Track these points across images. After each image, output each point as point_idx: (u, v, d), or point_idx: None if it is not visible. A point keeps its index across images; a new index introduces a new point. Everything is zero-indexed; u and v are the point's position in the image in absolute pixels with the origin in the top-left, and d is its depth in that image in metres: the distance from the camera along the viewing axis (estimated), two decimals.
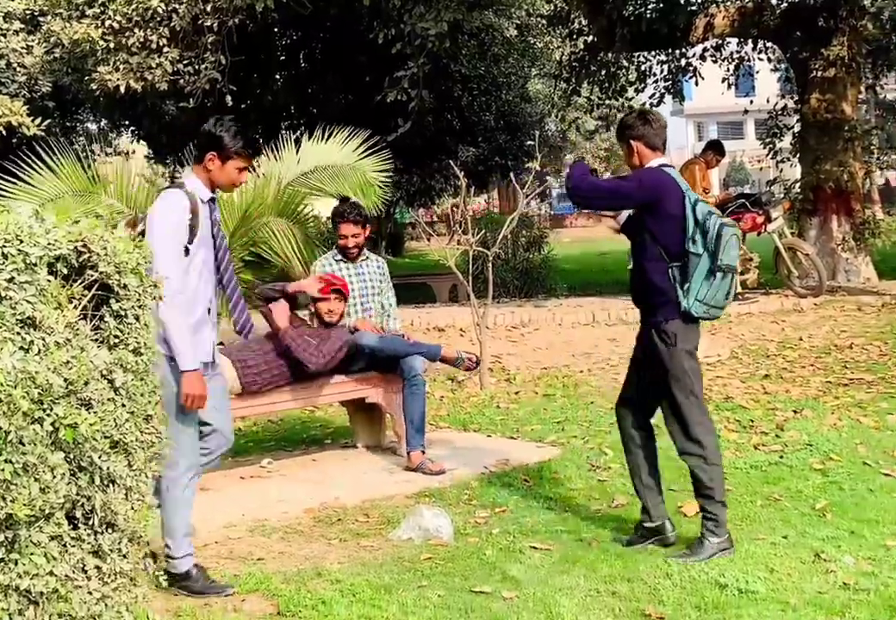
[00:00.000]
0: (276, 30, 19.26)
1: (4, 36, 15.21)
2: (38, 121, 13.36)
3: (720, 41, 17.66)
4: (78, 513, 3.20)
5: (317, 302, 6.79)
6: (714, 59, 18.52)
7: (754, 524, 5.24)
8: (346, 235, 7.11)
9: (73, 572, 3.12)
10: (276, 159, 9.42)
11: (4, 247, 3.00)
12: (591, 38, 16.96)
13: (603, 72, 17.67)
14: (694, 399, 4.90)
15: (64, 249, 3.20)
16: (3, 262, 2.96)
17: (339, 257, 7.22)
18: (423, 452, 6.61)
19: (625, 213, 5.23)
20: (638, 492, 5.14)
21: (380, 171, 9.29)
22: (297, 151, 9.32)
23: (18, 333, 2.89)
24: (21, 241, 3.05)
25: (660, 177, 4.91)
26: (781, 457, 6.44)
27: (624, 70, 18.16)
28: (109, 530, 3.34)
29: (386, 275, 7.41)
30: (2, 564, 2.85)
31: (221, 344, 6.48)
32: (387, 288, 7.38)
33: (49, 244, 3.15)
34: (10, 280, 2.95)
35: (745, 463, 6.38)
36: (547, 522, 5.42)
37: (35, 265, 3.05)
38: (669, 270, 4.81)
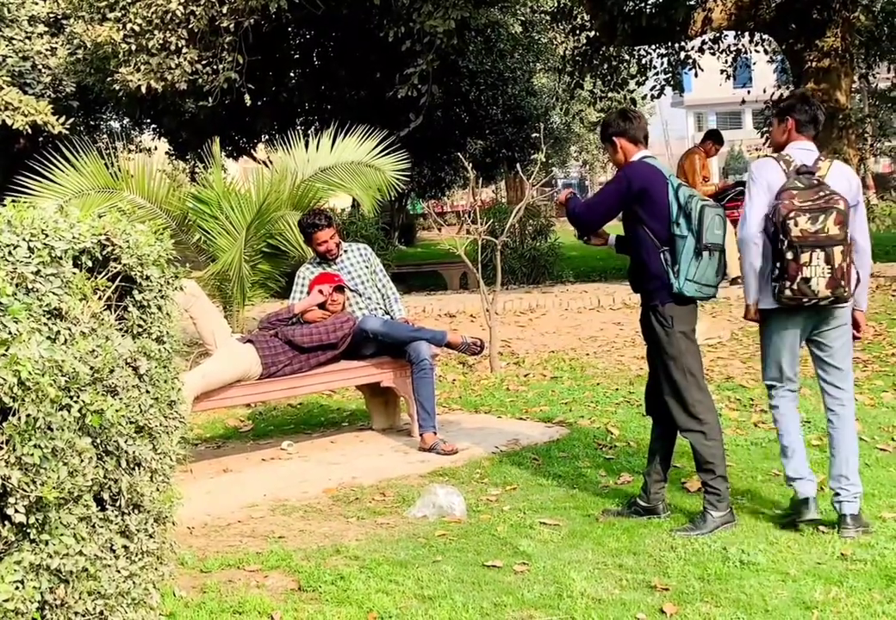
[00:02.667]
0: (289, 29, 19.20)
1: (30, 38, 15.22)
2: (62, 120, 13.41)
3: (718, 34, 17.61)
4: (105, 495, 3.22)
5: (322, 304, 6.88)
6: (712, 51, 18.46)
7: (755, 498, 5.24)
8: (324, 240, 7.04)
9: (102, 551, 3.14)
10: (289, 155, 9.39)
11: (31, 241, 3.00)
12: (593, 33, 16.89)
13: (605, 65, 17.62)
14: (692, 378, 4.89)
15: (88, 243, 3.20)
16: (30, 256, 2.96)
17: (319, 260, 7.20)
18: (436, 433, 6.62)
19: (613, 237, 5.27)
20: (646, 473, 5.14)
21: (398, 170, 9.28)
22: (309, 148, 9.30)
23: (45, 324, 2.90)
24: (47, 236, 3.06)
25: (643, 168, 4.93)
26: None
27: (625, 63, 18.12)
28: (136, 511, 3.35)
29: (371, 259, 7.33)
30: (33, 545, 2.85)
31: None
32: (380, 272, 7.35)
33: (74, 238, 3.15)
34: (37, 272, 2.95)
35: (746, 440, 6.38)
36: (556, 499, 5.42)
37: (60, 258, 3.05)
38: (661, 255, 4.83)
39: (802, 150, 4.85)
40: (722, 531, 4.74)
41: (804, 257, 4.52)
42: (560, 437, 6.70)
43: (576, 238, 5.82)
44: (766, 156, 4.92)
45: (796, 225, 4.53)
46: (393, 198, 11.02)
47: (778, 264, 4.60)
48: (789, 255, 4.55)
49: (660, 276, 4.83)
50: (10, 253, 2.93)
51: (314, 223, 7.02)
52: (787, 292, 4.59)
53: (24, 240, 2.98)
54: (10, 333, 2.69)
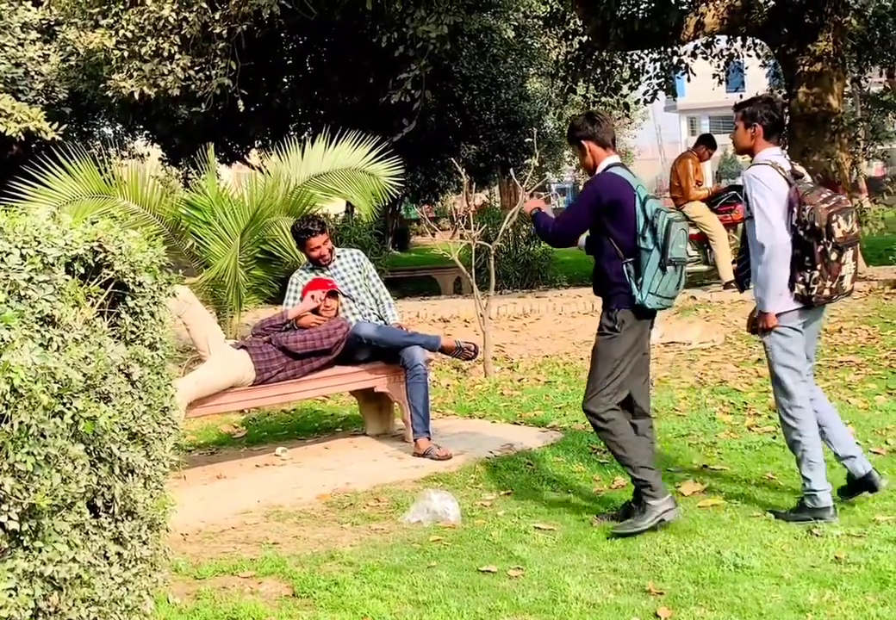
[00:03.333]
0: (282, 35, 19.23)
1: (22, 45, 15.20)
2: (55, 126, 13.38)
3: (710, 39, 17.64)
4: (99, 502, 3.21)
5: (315, 310, 6.88)
6: (705, 56, 18.50)
7: (749, 502, 5.24)
8: (317, 246, 7.05)
9: (95, 558, 3.13)
10: (282, 161, 9.40)
11: (23, 248, 3.00)
12: (586, 37, 16.92)
13: (598, 70, 17.64)
14: (612, 381, 4.89)
15: (80, 249, 3.20)
16: (22, 263, 2.96)
17: (311, 266, 7.21)
18: (430, 438, 6.63)
19: (583, 238, 5.27)
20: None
21: (392, 177, 9.29)
22: (304, 153, 9.31)
23: (38, 330, 2.90)
24: (39, 242, 3.06)
25: (612, 181, 4.92)
26: (774, 438, 6.43)
27: (618, 68, 18.15)
28: (129, 518, 3.35)
29: (364, 264, 7.34)
30: (27, 552, 2.85)
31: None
32: (373, 278, 7.35)
33: (66, 245, 3.15)
34: (30, 279, 2.96)
35: (740, 443, 6.38)
36: (550, 504, 5.42)
37: (53, 265, 3.06)
38: (624, 266, 4.84)
39: (779, 156, 4.97)
40: (664, 521, 4.77)
41: (844, 257, 4.74)
42: (554, 442, 6.70)
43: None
44: (760, 163, 4.91)
45: (839, 226, 4.70)
46: (387, 204, 11.00)
47: (819, 266, 4.74)
48: (833, 256, 4.72)
49: (620, 284, 4.87)
50: (2, 260, 2.93)
51: (307, 229, 7.02)
52: (826, 292, 4.78)
53: (16, 247, 2.99)
54: (2, 340, 2.70)
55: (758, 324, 5.00)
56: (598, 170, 5.01)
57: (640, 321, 4.92)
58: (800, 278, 4.80)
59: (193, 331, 6.26)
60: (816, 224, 4.69)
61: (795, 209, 4.75)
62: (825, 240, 4.70)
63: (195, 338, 6.30)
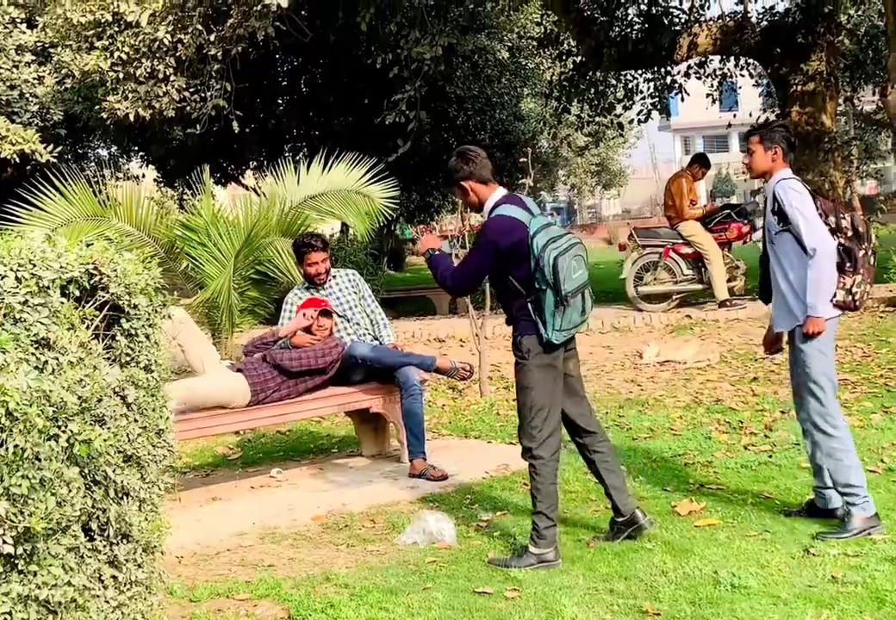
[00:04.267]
0: (277, 57, 19.30)
1: (17, 67, 15.25)
2: (50, 148, 13.42)
3: (703, 59, 17.72)
4: (94, 525, 3.21)
5: (308, 329, 6.86)
6: (698, 76, 18.58)
7: (745, 521, 5.24)
8: (315, 262, 7.06)
9: (91, 582, 3.13)
10: (277, 182, 9.42)
11: (18, 271, 3.01)
12: (580, 58, 17.01)
13: (592, 90, 17.72)
14: (538, 411, 4.87)
15: (76, 272, 3.21)
16: (17, 286, 2.97)
17: (307, 286, 7.22)
18: (425, 459, 6.62)
19: None
20: (606, 493, 5.17)
21: (388, 198, 9.31)
22: (300, 175, 9.33)
23: (33, 353, 2.90)
24: (34, 265, 3.06)
25: (502, 224, 4.84)
26: (770, 457, 6.44)
27: (612, 88, 18.22)
28: (124, 541, 3.34)
29: (359, 284, 7.35)
30: (21, 575, 2.85)
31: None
32: (368, 298, 7.35)
33: (61, 267, 3.16)
34: (25, 302, 2.96)
35: (736, 462, 6.38)
36: None
37: (48, 288, 3.06)
38: (528, 304, 4.80)
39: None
40: (545, 568, 4.72)
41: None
42: None
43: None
44: (788, 177, 5.05)
45: (872, 235, 5.05)
46: (382, 224, 11.03)
47: (861, 270, 4.98)
48: (871, 260, 5.01)
49: (522, 312, 4.84)
50: None
51: (309, 243, 7.05)
52: (866, 296, 5.05)
53: (11, 270, 2.99)
54: None
55: (781, 339, 5.26)
56: (486, 208, 4.95)
57: (548, 350, 4.86)
58: (840, 284, 4.97)
59: (188, 352, 6.26)
60: (860, 229, 4.96)
61: (833, 217, 4.97)
62: (866, 244, 4.97)
63: (190, 359, 6.30)
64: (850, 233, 4.98)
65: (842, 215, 5.02)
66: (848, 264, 4.98)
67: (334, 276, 7.27)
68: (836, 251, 4.93)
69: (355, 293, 7.25)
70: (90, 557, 3.16)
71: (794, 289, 5.01)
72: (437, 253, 5.11)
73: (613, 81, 18.17)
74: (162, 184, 23.75)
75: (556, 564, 4.77)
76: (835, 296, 4.97)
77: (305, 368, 6.60)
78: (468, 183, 4.95)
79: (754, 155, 5.17)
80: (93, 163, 22.08)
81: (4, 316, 2.88)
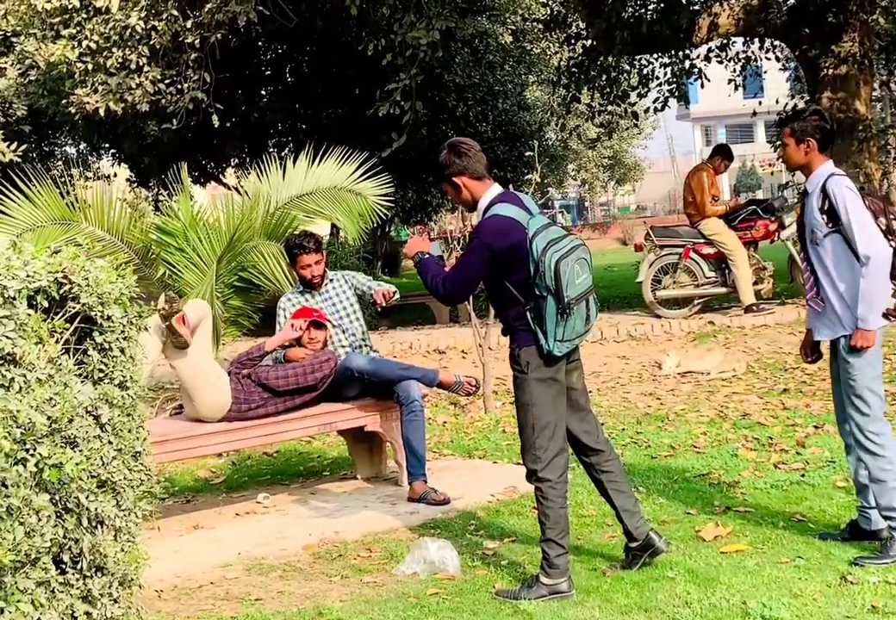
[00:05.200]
0: (260, 44, 19.37)
1: None
2: (13, 146, 13.39)
3: (725, 41, 17.75)
4: (65, 557, 3.22)
5: (298, 341, 6.88)
6: (719, 59, 18.60)
7: (776, 546, 5.25)
8: (308, 264, 7.07)
9: (63, 619, 3.14)
10: (261, 180, 9.44)
11: None
12: (589, 41, 17.03)
13: (603, 77, 17.74)
14: (541, 430, 4.88)
15: (44, 281, 3.23)
16: None
17: (301, 289, 7.24)
18: (426, 482, 6.63)
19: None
20: (617, 517, 5.18)
21: (381, 196, 9.33)
22: (285, 172, 9.34)
23: None
24: None
25: (498, 226, 4.82)
26: (803, 476, 6.45)
27: (625, 74, 18.26)
28: (99, 574, 3.36)
29: (356, 281, 7.30)
30: None
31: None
32: (363, 285, 7.27)
33: (28, 276, 3.18)
34: None
35: (766, 482, 6.39)
36: None
37: (14, 299, 3.08)
38: (527, 312, 4.80)
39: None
40: (557, 600, 4.73)
41: None
42: None
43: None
44: (837, 174, 5.07)
45: None
46: (375, 225, 11.05)
47: None
48: None
49: (520, 322, 4.84)
50: None
51: (301, 245, 7.07)
52: None
53: None
54: None
55: (820, 345, 5.25)
56: (480, 207, 4.95)
57: (548, 363, 4.86)
58: (892, 291, 5.02)
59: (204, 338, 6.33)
60: None
61: (884, 219, 4.98)
62: None
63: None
64: None
65: (892, 216, 5.03)
66: None
67: (331, 280, 7.28)
68: (891, 256, 4.92)
69: (354, 295, 7.24)
70: (62, 592, 3.17)
71: (841, 297, 5.01)
72: (426, 257, 5.07)
73: (627, 67, 18.21)
74: (135, 184, 23.80)
75: (570, 595, 4.78)
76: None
77: (294, 387, 6.62)
78: (461, 179, 4.94)
79: (787, 148, 5.19)
80: (60, 162, 22.17)
81: None
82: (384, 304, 7.00)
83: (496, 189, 4.99)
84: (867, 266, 4.86)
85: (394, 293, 7.00)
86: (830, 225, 4.98)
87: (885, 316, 5.03)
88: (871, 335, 4.94)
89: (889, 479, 4.97)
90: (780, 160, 5.45)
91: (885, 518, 5.02)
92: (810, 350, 5.44)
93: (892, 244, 4.96)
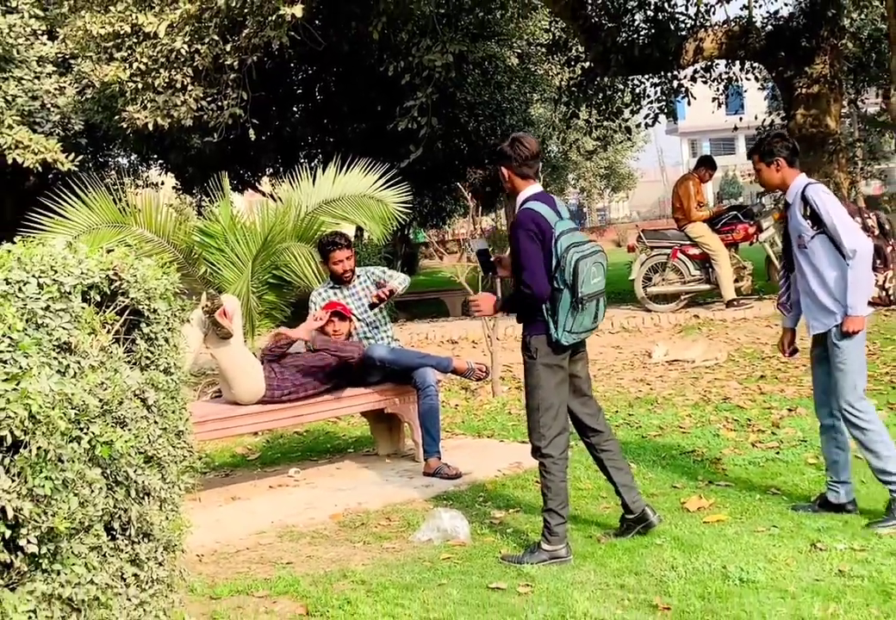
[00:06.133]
0: (292, 65, 19.32)
1: (38, 78, 15.29)
2: (71, 157, 13.46)
3: (709, 63, 17.68)
4: (116, 525, 3.22)
5: (323, 330, 6.87)
6: (704, 79, 18.53)
7: (753, 517, 5.23)
8: (340, 260, 7.06)
9: (113, 580, 3.14)
10: (293, 188, 9.44)
11: (40, 277, 3.02)
12: (587, 64, 17.00)
13: (600, 95, 17.70)
14: (546, 411, 4.86)
15: (96, 278, 3.22)
16: (40, 292, 2.98)
17: (331, 284, 7.23)
18: (440, 458, 6.62)
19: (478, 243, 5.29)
20: (614, 490, 5.15)
21: (401, 202, 9.31)
22: (315, 180, 9.34)
23: (55, 358, 2.91)
24: (55, 271, 3.08)
25: (533, 217, 4.80)
26: (778, 453, 6.43)
27: (619, 93, 18.20)
28: (146, 540, 3.35)
29: (376, 276, 7.25)
30: (45, 574, 2.86)
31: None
32: (387, 278, 7.24)
33: (82, 273, 3.17)
34: (47, 308, 2.97)
35: (744, 459, 6.37)
36: None
37: (69, 293, 3.07)
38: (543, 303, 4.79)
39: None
40: (557, 564, 4.72)
41: None
42: None
43: (481, 271, 5.73)
44: (813, 183, 5.08)
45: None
46: (395, 228, 11.04)
47: (892, 265, 5.11)
48: None
49: (536, 315, 4.82)
50: (20, 289, 2.95)
51: (334, 242, 7.07)
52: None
53: (33, 276, 3.00)
54: (20, 368, 2.71)
55: (794, 339, 5.32)
56: (518, 201, 4.94)
57: (556, 350, 4.85)
58: (874, 281, 5.06)
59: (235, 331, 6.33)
60: (887, 226, 5.04)
61: (859, 218, 5.03)
62: (893, 241, 5.07)
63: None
64: (877, 232, 5.04)
65: (866, 215, 5.09)
66: (878, 261, 5.04)
67: (358, 276, 7.26)
68: (872, 250, 4.94)
69: (375, 291, 7.21)
70: (112, 556, 3.17)
71: (830, 291, 5.00)
72: (501, 304, 5.06)
73: (621, 86, 18.15)
74: (181, 192, 23.81)
75: (568, 560, 4.77)
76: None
77: (335, 354, 6.60)
78: (508, 171, 4.93)
79: (760, 173, 5.22)
80: (113, 172, 22.15)
81: (27, 321, 2.89)
82: (378, 303, 6.99)
83: (535, 188, 4.95)
84: (853, 259, 4.87)
85: (390, 292, 6.98)
86: (815, 228, 4.98)
87: (871, 303, 5.04)
88: (860, 320, 4.94)
89: (881, 449, 5.00)
90: (760, 184, 5.44)
91: (884, 482, 5.04)
92: (788, 345, 5.43)
93: (870, 239, 4.97)
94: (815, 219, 4.97)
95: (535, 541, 4.92)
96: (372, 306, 7.05)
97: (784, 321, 5.44)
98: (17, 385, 2.67)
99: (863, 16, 17.16)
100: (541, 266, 4.76)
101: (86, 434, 2.93)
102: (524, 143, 4.90)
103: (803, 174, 5.17)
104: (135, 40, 12.59)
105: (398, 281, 7.21)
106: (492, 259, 5.24)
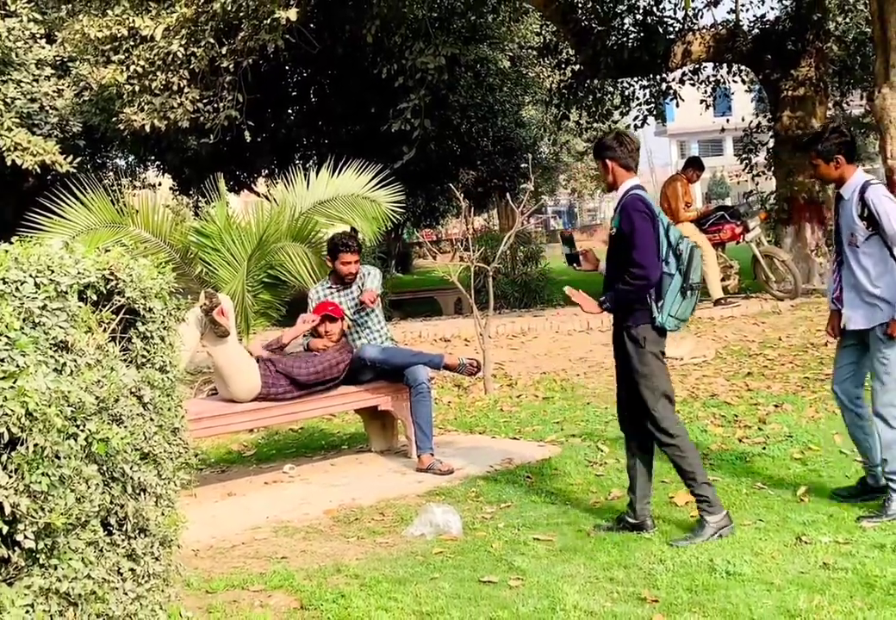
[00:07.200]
0: (287, 68, 19.34)
1: (37, 81, 15.28)
2: (70, 159, 13.45)
3: (697, 66, 17.70)
4: (112, 520, 3.22)
5: (316, 331, 6.88)
6: (692, 82, 18.56)
7: (740, 511, 5.23)
8: (349, 261, 7.05)
9: (109, 574, 3.13)
10: (288, 189, 9.42)
11: (37, 277, 3.02)
12: (578, 66, 17.00)
13: (590, 97, 17.71)
14: (662, 396, 4.91)
15: (93, 277, 3.22)
16: (36, 291, 2.98)
17: (329, 284, 7.21)
18: (433, 454, 6.62)
19: (603, 263, 5.26)
20: (630, 489, 5.14)
21: (393, 202, 9.30)
22: (309, 181, 9.33)
23: (52, 356, 2.91)
24: (52, 271, 3.08)
25: (644, 201, 4.86)
26: (764, 449, 6.44)
27: (609, 95, 18.21)
28: (142, 535, 3.35)
29: (367, 274, 7.17)
30: (42, 569, 2.86)
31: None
32: (370, 283, 7.16)
33: (79, 273, 3.17)
34: (44, 307, 2.97)
35: (731, 454, 6.38)
36: (549, 515, 5.42)
37: (66, 293, 3.07)
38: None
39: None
40: (720, 536, 4.76)
41: None
42: (552, 456, 6.70)
43: (565, 264, 5.78)
44: (874, 183, 5.04)
45: None
46: (389, 228, 11.04)
47: None
48: None
49: (641, 303, 4.83)
50: (17, 288, 2.95)
51: (346, 243, 7.04)
52: None
53: (30, 276, 3.00)
54: (17, 366, 2.71)
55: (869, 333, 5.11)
56: (621, 190, 4.96)
57: (660, 337, 4.92)
58: None
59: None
60: None
61: None
62: None
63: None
64: None
65: None
66: None
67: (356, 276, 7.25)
68: None
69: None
70: (109, 551, 3.17)
71: (880, 291, 4.98)
72: (606, 303, 4.97)
73: (610, 88, 18.16)
74: (177, 193, 23.78)
75: (732, 526, 4.83)
76: None
77: (321, 379, 6.61)
78: (612, 163, 4.96)
79: (819, 169, 5.18)
80: (111, 173, 22.13)
81: (24, 320, 2.89)
82: (370, 306, 6.98)
83: (636, 180, 4.99)
84: None
85: (375, 298, 6.95)
86: (870, 229, 4.97)
87: None
88: None
89: None
90: (817, 179, 5.40)
91: (889, 480, 5.02)
92: (837, 330, 5.34)
93: None
94: (872, 220, 4.94)
95: (697, 520, 4.89)
96: (361, 310, 7.04)
97: (831, 305, 5.38)
98: (14, 383, 2.67)
99: (848, 19, 17.20)
100: (654, 247, 4.80)
101: (82, 431, 2.93)
102: (629, 136, 5.03)
103: (860, 169, 5.14)
104: (132, 43, 12.58)
105: (372, 279, 7.12)
106: (577, 252, 5.27)
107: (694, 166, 12.80)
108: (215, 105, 13.32)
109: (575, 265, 5.44)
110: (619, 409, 5.23)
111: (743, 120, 19.49)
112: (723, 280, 12.26)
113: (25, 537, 2.77)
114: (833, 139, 5.09)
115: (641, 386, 4.91)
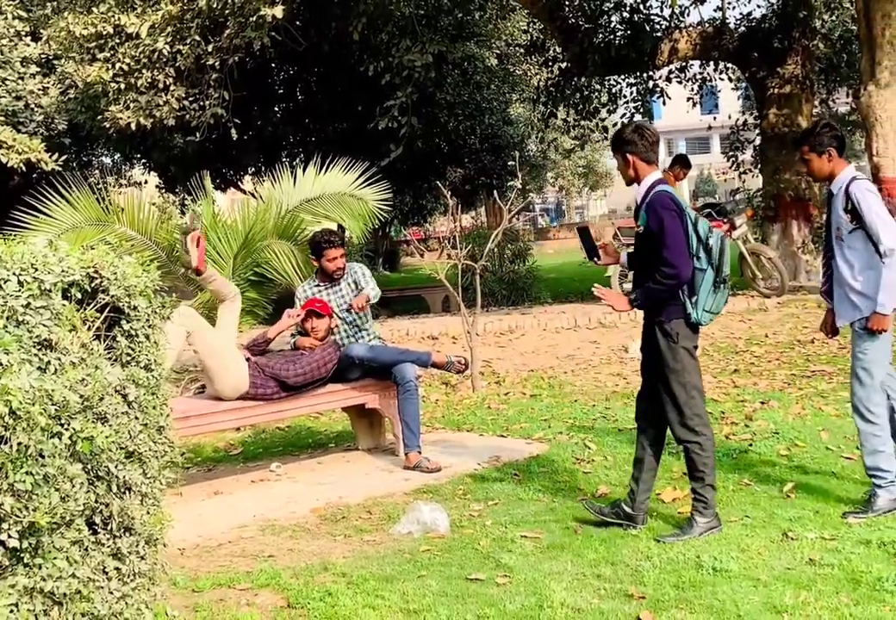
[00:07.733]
0: (273, 66, 19.30)
1: (22, 79, 15.23)
2: (55, 157, 13.38)
3: (684, 63, 17.78)
4: (97, 519, 3.20)
5: (303, 328, 6.86)
6: (679, 80, 18.62)
7: (727, 507, 5.24)
8: (334, 257, 7.02)
9: (95, 573, 3.12)
10: (274, 186, 9.41)
11: (21, 275, 3.00)
12: (565, 64, 17.04)
13: (577, 95, 17.74)
14: (694, 392, 4.88)
15: (77, 275, 3.20)
16: (20, 289, 2.96)
17: (316, 282, 7.18)
18: (420, 452, 6.62)
19: (624, 255, 5.25)
20: (634, 479, 5.10)
21: (380, 200, 9.29)
22: (296, 179, 9.32)
23: (36, 354, 2.90)
24: (36, 269, 3.06)
25: (672, 198, 4.83)
26: (751, 445, 6.45)
27: (596, 93, 18.25)
28: (127, 534, 3.34)
29: (358, 276, 7.14)
30: (27, 568, 2.84)
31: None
32: (360, 280, 7.15)
33: (63, 271, 3.15)
34: (27, 305, 2.95)
35: (718, 451, 6.32)
36: (536, 512, 5.42)
37: (50, 291, 3.06)
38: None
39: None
40: (707, 536, 4.77)
41: None
42: (540, 453, 6.70)
43: (585, 259, 5.75)
44: (860, 178, 5.05)
45: None
46: (376, 226, 11.03)
47: None
48: None
49: (673, 299, 4.81)
50: (0, 287, 2.93)
51: (329, 239, 7.01)
52: None
53: (13, 274, 2.98)
54: (0, 365, 2.69)
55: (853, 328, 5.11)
56: (644, 185, 4.92)
57: (693, 332, 4.90)
58: None
59: (204, 336, 6.25)
60: None
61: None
62: None
63: (211, 347, 6.27)
64: None
65: None
66: None
67: (344, 273, 7.22)
68: None
69: (356, 290, 7.17)
70: (94, 550, 3.16)
71: (860, 285, 5.00)
72: (637, 300, 4.92)
73: (598, 86, 18.20)
74: (164, 190, 23.74)
75: (720, 528, 4.84)
76: None
77: (309, 381, 6.59)
78: (633, 157, 4.92)
79: (811, 163, 5.18)
80: (97, 171, 22.08)
81: (7, 318, 2.87)
82: (357, 311, 6.96)
83: (658, 174, 4.96)
84: (889, 258, 4.86)
85: (367, 301, 6.94)
86: (854, 222, 4.98)
87: None
88: (886, 319, 4.95)
89: (878, 444, 5.01)
90: (808, 175, 5.40)
91: (871, 476, 5.05)
92: (831, 328, 5.38)
93: None
94: (855, 214, 4.95)
95: (687, 518, 4.91)
96: (349, 309, 7.01)
97: (828, 303, 5.39)
98: None
99: (834, 17, 17.28)
100: (685, 245, 4.77)
101: (66, 429, 2.92)
102: (649, 129, 4.98)
103: (851, 166, 5.15)
104: (117, 41, 12.56)
105: (371, 289, 7.04)
106: (597, 244, 5.25)
107: (680, 163, 12.82)
108: (201, 103, 13.29)
109: (595, 259, 5.40)
110: (639, 401, 5.19)
111: (730, 117, 19.56)
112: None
113: (9, 536, 2.76)
114: (825, 132, 5.11)
115: (672, 382, 4.87)
